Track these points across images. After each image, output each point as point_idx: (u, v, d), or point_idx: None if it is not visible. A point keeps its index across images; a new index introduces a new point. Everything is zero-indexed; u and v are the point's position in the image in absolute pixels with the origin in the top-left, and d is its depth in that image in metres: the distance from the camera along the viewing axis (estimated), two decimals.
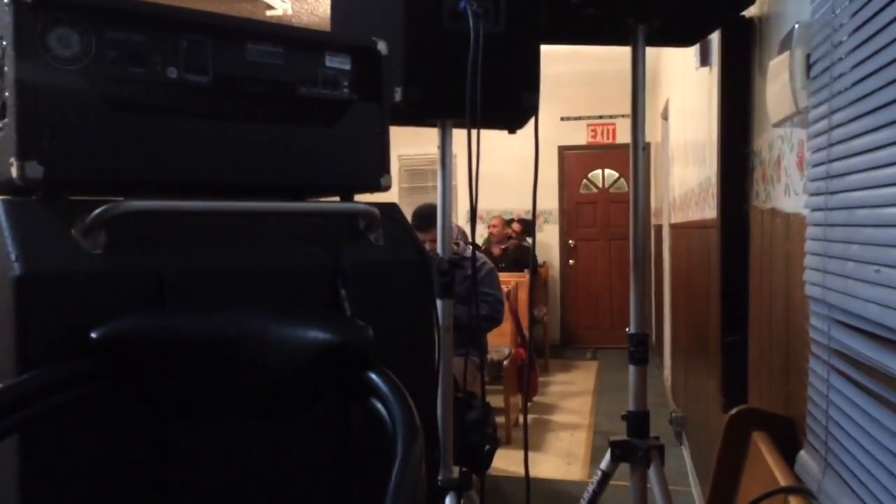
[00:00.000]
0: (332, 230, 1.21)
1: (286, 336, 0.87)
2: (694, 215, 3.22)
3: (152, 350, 0.91)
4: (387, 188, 1.30)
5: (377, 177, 1.29)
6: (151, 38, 1.08)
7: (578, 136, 7.59)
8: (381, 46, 1.30)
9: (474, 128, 1.46)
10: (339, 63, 1.27)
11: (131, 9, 1.07)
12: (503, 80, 1.52)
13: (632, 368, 1.67)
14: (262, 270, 1.10)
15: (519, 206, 7.49)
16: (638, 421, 1.65)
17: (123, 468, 0.96)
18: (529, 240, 7.17)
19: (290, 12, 6.97)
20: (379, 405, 0.81)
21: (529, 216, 7.54)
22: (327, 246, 1.18)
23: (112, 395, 0.93)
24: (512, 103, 1.57)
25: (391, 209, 1.29)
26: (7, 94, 1.00)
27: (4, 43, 1.00)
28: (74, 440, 0.93)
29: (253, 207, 1.13)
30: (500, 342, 4.31)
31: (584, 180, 7.73)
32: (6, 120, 1.01)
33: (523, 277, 5.24)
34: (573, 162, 7.66)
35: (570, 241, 7.70)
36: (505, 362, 4.16)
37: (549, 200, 7.60)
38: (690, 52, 3.01)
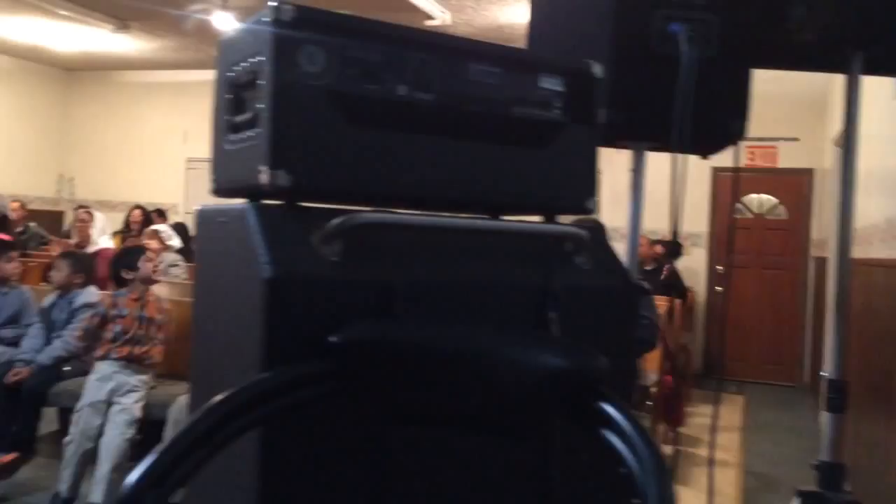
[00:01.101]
0: (539, 251, 1.22)
1: (517, 356, 0.88)
2: (879, 252, 3.00)
3: (386, 357, 0.95)
4: (592, 211, 1.30)
5: (584, 200, 1.29)
6: (385, 56, 1.13)
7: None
8: (596, 69, 1.29)
9: (680, 152, 1.43)
10: (552, 84, 1.28)
11: (370, 28, 1.12)
12: (711, 106, 1.48)
13: (828, 416, 1.58)
14: (478, 286, 1.12)
15: (665, 226, 7.26)
16: (832, 472, 1.56)
17: (348, 469, 1.00)
18: (674, 262, 6.95)
19: (448, 22, 7.13)
20: (614, 438, 0.81)
21: (677, 238, 7.32)
22: (535, 267, 1.19)
23: (343, 399, 0.97)
24: (718, 129, 1.53)
25: (598, 231, 1.28)
26: (260, 105, 1.08)
27: (262, 58, 1.07)
28: (308, 437, 0.98)
29: (477, 225, 1.15)
30: (646, 368, 4.20)
31: (738, 204, 7.40)
32: (258, 130, 1.08)
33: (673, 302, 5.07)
34: (728, 185, 7.35)
35: (719, 267, 7.39)
36: (653, 389, 4.05)
37: (699, 223, 7.33)
38: (880, 78, 2.81)
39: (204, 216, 1.23)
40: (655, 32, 1.47)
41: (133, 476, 0.80)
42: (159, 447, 0.83)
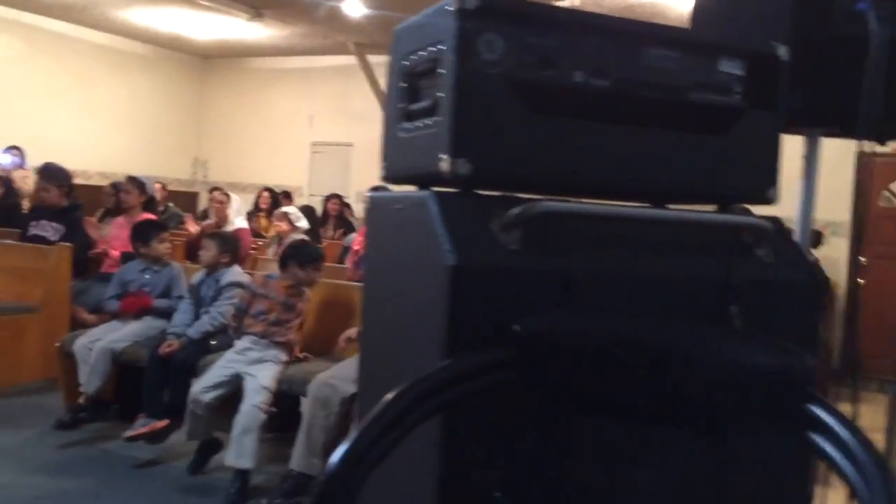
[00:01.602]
0: (719, 242, 1.17)
1: (720, 353, 0.85)
2: None
3: (573, 348, 0.93)
4: (773, 201, 1.24)
5: (764, 189, 1.23)
6: (562, 43, 1.11)
7: None
8: (782, 52, 1.22)
9: (865, 139, 1.34)
10: (732, 68, 1.22)
11: (548, 14, 1.11)
12: None
13: None
14: (657, 278, 1.09)
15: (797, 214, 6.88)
16: None
17: (526, 456, 1.00)
18: (813, 252, 6.58)
19: (577, 3, 6.99)
20: (826, 445, 0.76)
21: (816, 226, 6.92)
22: (715, 259, 1.14)
23: (523, 388, 0.96)
24: None
25: (778, 223, 1.22)
26: (440, 94, 1.08)
27: (443, 46, 1.08)
28: (488, 425, 0.98)
29: (658, 215, 1.12)
30: None
31: (886, 192, 6.91)
32: (437, 118, 1.09)
33: None
34: (875, 170, 6.87)
35: (862, 258, 6.94)
36: None
37: (839, 211, 6.89)
38: None
39: (376, 203, 1.25)
40: (840, 11, 1.38)
41: (336, 457, 0.83)
42: (357, 429, 0.85)
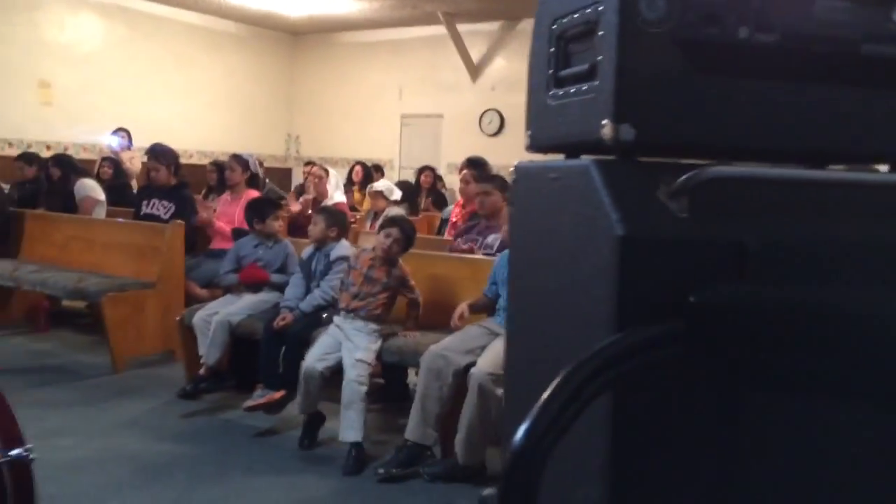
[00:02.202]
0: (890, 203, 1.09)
1: None
2: None
3: (752, 320, 0.89)
4: None
5: None
6: None
7: None
8: None
9: None
10: None
11: None
12: None
13: None
14: (835, 244, 1.02)
15: None
16: None
17: (698, 434, 0.97)
18: None
19: None
20: None
21: None
22: (890, 221, 1.07)
23: (698, 362, 0.93)
24: None
25: None
26: (599, 57, 1.04)
27: (601, 7, 1.03)
28: (658, 399, 0.95)
29: (838, 177, 1.06)
30: None
31: None
32: (595, 82, 1.05)
33: None
34: None
35: None
36: None
37: None
38: None
39: (525, 173, 1.22)
40: None
41: (520, 433, 0.81)
42: (537, 404, 0.84)
